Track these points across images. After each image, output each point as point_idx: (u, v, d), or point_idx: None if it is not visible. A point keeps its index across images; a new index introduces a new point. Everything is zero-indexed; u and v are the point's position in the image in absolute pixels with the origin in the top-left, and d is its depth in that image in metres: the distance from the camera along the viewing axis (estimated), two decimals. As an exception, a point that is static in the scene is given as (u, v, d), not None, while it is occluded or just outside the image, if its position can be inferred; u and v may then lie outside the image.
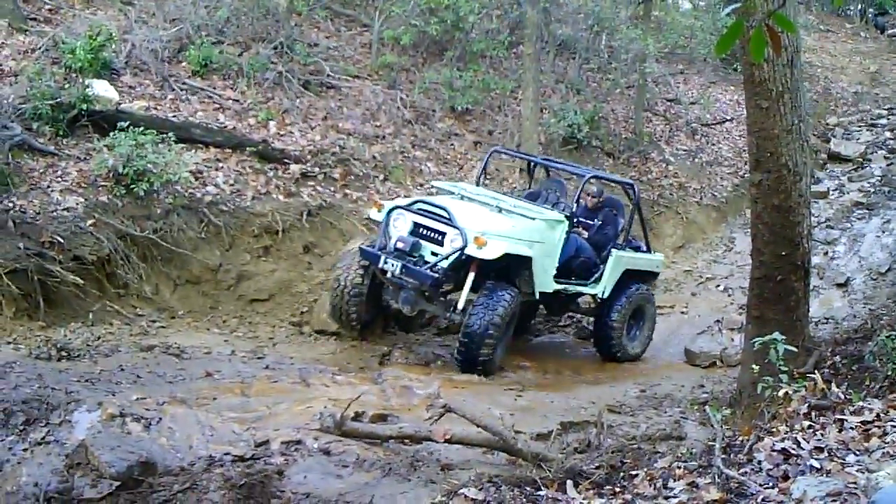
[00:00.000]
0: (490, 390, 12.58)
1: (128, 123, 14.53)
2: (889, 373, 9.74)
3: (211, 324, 14.25)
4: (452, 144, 19.37)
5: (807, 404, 8.26)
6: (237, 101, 17.48)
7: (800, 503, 5.58)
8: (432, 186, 16.10)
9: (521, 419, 10.96)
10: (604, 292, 14.98)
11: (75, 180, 14.06)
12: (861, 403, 8.07)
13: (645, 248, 16.05)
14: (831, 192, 23.83)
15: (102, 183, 14.14)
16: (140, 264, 14.00)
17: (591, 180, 15.53)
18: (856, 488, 5.68)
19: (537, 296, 14.23)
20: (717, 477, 6.49)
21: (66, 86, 15.10)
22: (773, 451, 6.87)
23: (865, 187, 23.92)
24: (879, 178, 24.34)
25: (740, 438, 7.77)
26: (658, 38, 23.92)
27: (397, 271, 13.10)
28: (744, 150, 20.28)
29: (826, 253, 20.20)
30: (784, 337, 9.26)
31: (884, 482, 5.49)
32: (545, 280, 14.13)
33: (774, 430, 7.69)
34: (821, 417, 7.82)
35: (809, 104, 25.17)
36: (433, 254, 13.29)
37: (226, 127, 16.64)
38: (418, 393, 11.79)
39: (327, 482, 8.37)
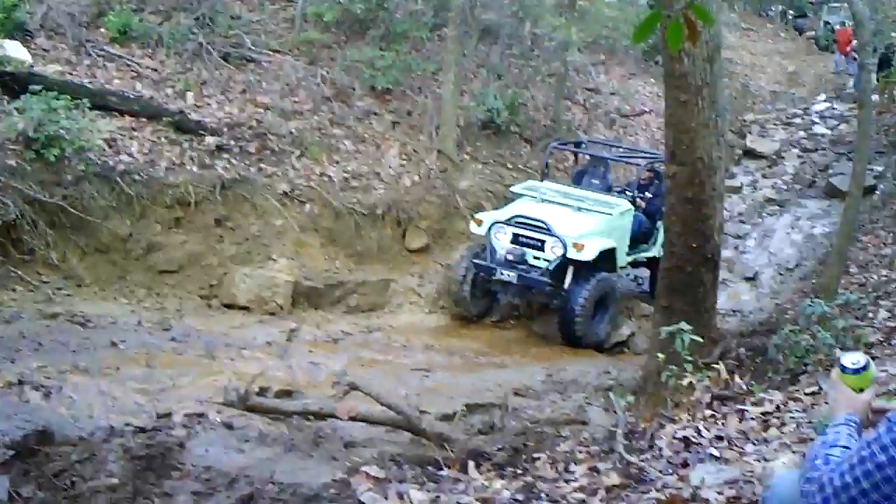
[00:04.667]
0: (397, 370, 12.60)
1: (41, 87, 14.27)
2: (791, 366, 9.87)
3: (118, 294, 14.06)
4: (371, 123, 19.25)
5: (709, 394, 8.34)
6: (155, 70, 17.26)
7: (697, 490, 5.61)
8: (510, 190, 17.85)
9: (426, 399, 10.99)
10: (659, 252, 16.21)
11: (-18, 142, 13.79)
12: (762, 395, 8.16)
13: None
14: (745, 188, 24.14)
15: (11, 146, 13.83)
16: (48, 231, 13.72)
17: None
18: (752, 477, 5.73)
19: (618, 272, 16.82)
20: (618, 462, 6.52)
21: (-25, 44, 14.82)
22: (675, 438, 6.92)
23: (778, 184, 24.28)
24: (792, 176, 24.72)
25: (642, 425, 7.81)
26: (581, 27, 23.96)
27: (515, 280, 15.43)
28: (661, 143, 20.44)
29: (737, 247, 20.48)
30: (690, 327, 9.33)
31: (779, 471, 5.55)
32: (622, 258, 16.70)
33: (676, 418, 7.75)
34: (723, 407, 7.89)
35: (728, 100, 25.31)
36: (535, 258, 15.63)
37: (142, 96, 16.41)
38: (325, 370, 11.77)
39: (229, 456, 8.29)
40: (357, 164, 17.97)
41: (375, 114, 19.60)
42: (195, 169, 15.69)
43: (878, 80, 24.60)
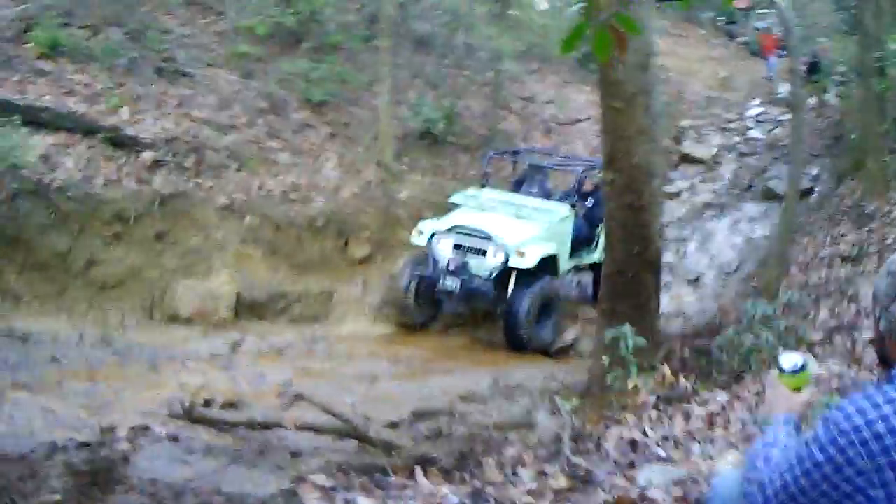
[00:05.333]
0: (343, 379, 12.58)
1: (-32, 105, 14.10)
2: (734, 366, 9.98)
3: (59, 309, 13.88)
4: (307, 136, 19.23)
5: (655, 396, 8.42)
6: (88, 85, 17.06)
7: (645, 490, 5.67)
8: (449, 200, 17.63)
9: (373, 408, 10.94)
10: (600, 257, 16.22)
11: (-89, 161, 13.58)
12: (707, 395, 8.26)
13: None
14: (683, 193, 24.34)
15: (-60, 165, 13.68)
16: (-19, 248, 13.60)
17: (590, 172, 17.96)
18: (698, 476, 5.80)
19: (559, 276, 16.91)
20: (565, 465, 6.56)
21: None
22: (621, 440, 6.98)
23: (716, 189, 24.52)
24: (729, 180, 24.98)
25: (589, 428, 7.86)
26: (514, 36, 24.10)
27: (458, 289, 15.54)
28: (598, 150, 20.62)
29: (678, 250, 20.66)
30: (634, 330, 9.41)
31: (722, 471, 5.63)
32: (564, 263, 16.95)
33: (623, 420, 7.81)
34: (668, 408, 7.97)
35: (663, 107, 25.57)
36: (477, 266, 15.71)
37: (76, 112, 16.20)
38: (270, 380, 11.75)
39: (174, 468, 8.23)
40: (295, 177, 17.94)
41: (312, 126, 19.59)
42: (133, 184, 15.56)
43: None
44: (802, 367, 3.57)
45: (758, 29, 38.37)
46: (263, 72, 20.25)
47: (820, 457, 2.87)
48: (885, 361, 3.07)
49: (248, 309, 15.19)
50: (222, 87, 18.96)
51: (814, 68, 26.83)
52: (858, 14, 20.01)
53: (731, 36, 42.71)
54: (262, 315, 15.36)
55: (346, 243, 17.57)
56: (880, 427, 2.78)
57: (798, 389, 3.55)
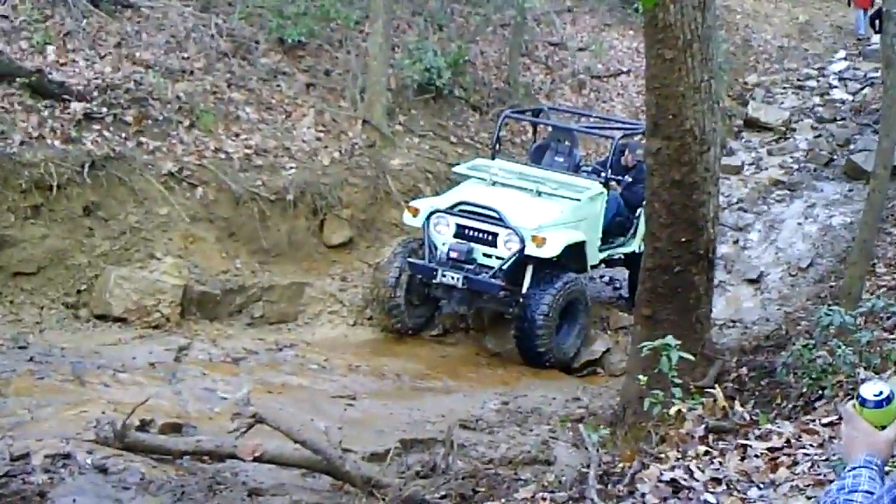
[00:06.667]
0: (314, 398, 12.59)
1: None
2: (804, 389, 9.97)
3: (-41, 303, 13.96)
4: (279, 86, 19.21)
5: (704, 425, 8.42)
6: (5, 17, 17.06)
7: (691, 548, 5.69)
8: (453, 171, 17.85)
9: (351, 434, 10.99)
10: (639, 248, 16.23)
11: None
12: (769, 426, 8.25)
13: None
14: (746, 167, 24.33)
15: None
16: None
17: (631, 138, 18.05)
18: (756, 529, 5.81)
19: (589, 272, 17.16)
20: (590, 512, 6.58)
21: None
22: (661, 481, 6.99)
23: (788, 163, 24.48)
24: (805, 153, 24.93)
25: (621, 465, 7.87)
26: (542, -36, 24.11)
27: (460, 283, 15.43)
28: (642, 111, 20.59)
29: (736, 241, 20.67)
30: (679, 342, 9.39)
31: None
32: (593, 254, 16.88)
33: (663, 455, 7.82)
34: (720, 442, 7.97)
35: (724, 58, 25.58)
36: (485, 255, 15.76)
37: (-11, 50, 16.25)
38: (222, 398, 11.76)
39: (103, 507, 8.28)
40: (262, 138, 17.92)
41: (285, 73, 19.58)
42: (58, 143, 15.54)
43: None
44: (889, 399, 3.52)
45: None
46: (227, 4, 20.24)
47: None
48: None
49: (197, 306, 15.17)
50: (174, 22, 18.96)
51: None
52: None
53: (814, -29, 42.53)
54: (214, 315, 15.35)
55: (321, 224, 17.54)
56: None
57: (882, 426, 3.53)
